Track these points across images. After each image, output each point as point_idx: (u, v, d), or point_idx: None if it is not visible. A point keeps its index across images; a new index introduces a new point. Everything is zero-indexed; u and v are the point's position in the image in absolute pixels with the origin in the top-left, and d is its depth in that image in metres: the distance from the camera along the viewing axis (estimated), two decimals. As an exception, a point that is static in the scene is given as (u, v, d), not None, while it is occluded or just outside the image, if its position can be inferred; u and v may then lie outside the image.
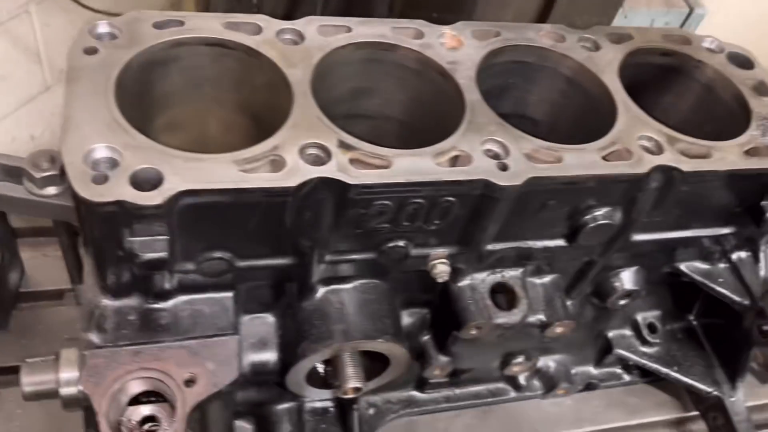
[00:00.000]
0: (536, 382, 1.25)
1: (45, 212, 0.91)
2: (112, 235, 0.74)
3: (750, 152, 0.98)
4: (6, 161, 0.91)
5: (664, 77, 1.13)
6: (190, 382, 0.83)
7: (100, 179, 0.71)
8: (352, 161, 0.81)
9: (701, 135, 0.98)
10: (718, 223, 1.06)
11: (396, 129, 1.08)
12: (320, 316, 0.93)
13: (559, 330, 1.06)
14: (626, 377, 1.31)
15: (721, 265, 1.17)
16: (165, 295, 0.86)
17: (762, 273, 1.15)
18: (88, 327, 0.83)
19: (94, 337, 0.83)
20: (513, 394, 1.24)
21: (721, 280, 1.15)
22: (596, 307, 1.18)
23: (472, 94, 0.93)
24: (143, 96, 0.91)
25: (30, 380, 0.87)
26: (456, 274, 0.99)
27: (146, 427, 0.81)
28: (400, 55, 0.98)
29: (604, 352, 1.26)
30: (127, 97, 0.83)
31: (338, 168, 0.79)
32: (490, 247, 0.96)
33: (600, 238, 0.98)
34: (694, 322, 1.31)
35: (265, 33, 0.92)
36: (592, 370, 1.29)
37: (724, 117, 1.08)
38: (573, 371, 1.27)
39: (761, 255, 1.15)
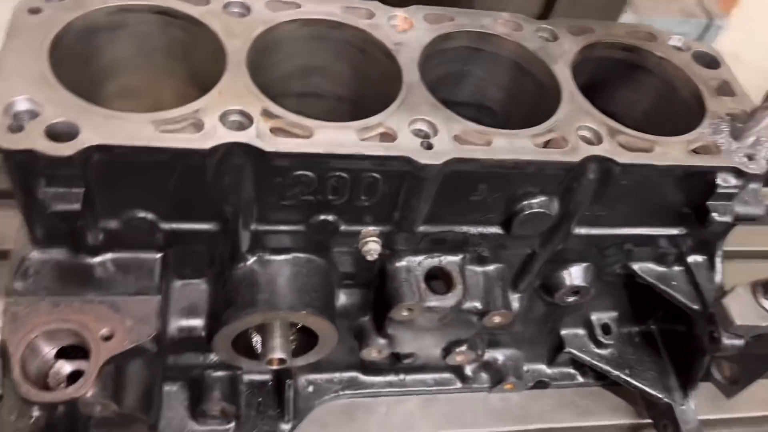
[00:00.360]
0: (484, 375, 1.24)
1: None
2: (28, 185, 0.76)
3: (696, 150, 0.95)
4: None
5: (625, 73, 1.12)
6: (107, 338, 0.85)
7: (15, 128, 0.74)
8: (274, 130, 0.82)
9: (660, 133, 0.97)
10: (668, 223, 1.04)
11: (349, 109, 1.09)
12: (248, 284, 0.94)
13: (497, 319, 1.05)
14: (580, 378, 1.29)
15: (676, 269, 1.14)
16: (92, 251, 0.88)
17: (717, 279, 1.12)
18: (13, 276, 0.86)
19: (17, 286, 0.85)
20: (459, 384, 1.23)
21: (674, 283, 1.12)
22: (546, 302, 1.17)
23: (411, 76, 0.94)
24: (90, 60, 0.94)
25: (-39, 326, 0.91)
26: (392, 255, 1.00)
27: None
28: (346, 33, 0.99)
29: (556, 350, 1.24)
30: (69, 59, 0.86)
31: (257, 135, 0.80)
32: (422, 228, 0.96)
33: (536, 227, 0.97)
34: (653, 328, 1.28)
35: (213, 4, 0.95)
36: (545, 368, 1.28)
37: (682, 115, 1.05)
38: (525, 368, 1.26)
39: (717, 260, 1.12)
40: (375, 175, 0.86)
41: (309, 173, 0.84)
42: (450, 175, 0.87)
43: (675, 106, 1.08)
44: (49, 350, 0.89)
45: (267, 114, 0.83)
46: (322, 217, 0.91)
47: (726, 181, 0.96)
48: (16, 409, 0.81)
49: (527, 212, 0.94)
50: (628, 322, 1.27)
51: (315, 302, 0.95)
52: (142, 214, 0.85)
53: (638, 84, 1.11)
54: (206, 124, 0.79)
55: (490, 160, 0.86)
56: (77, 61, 0.90)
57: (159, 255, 0.91)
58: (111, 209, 0.84)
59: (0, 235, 1.12)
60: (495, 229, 0.99)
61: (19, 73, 0.79)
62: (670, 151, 0.94)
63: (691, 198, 0.99)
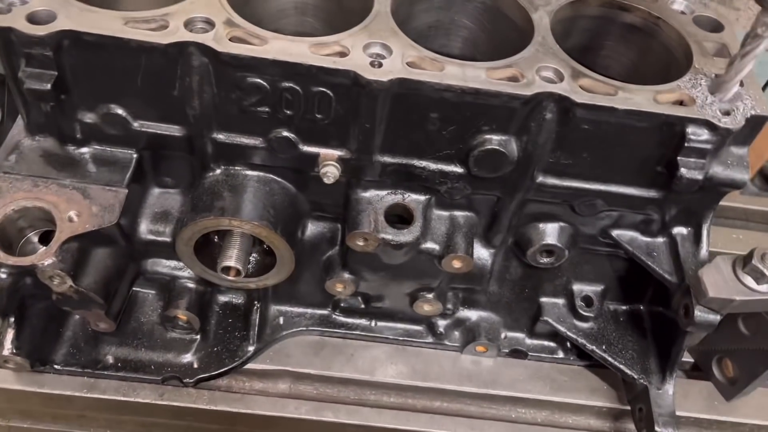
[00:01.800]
0: (456, 334, 1.23)
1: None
2: (12, 65, 0.87)
3: (667, 101, 0.92)
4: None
5: (617, 31, 1.09)
6: (73, 219, 0.94)
7: (5, 10, 0.84)
8: (233, 37, 0.88)
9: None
10: (641, 182, 1.00)
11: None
12: (211, 192, 1.00)
13: (456, 264, 1.04)
14: (560, 354, 1.24)
15: (660, 239, 1.09)
16: (75, 142, 0.98)
17: (702, 252, 1.05)
18: (4, 155, 0.97)
19: (6, 165, 0.96)
20: (430, 339, 1.23)
21: (655, 254, 1.07)
22: (523, 264, 1.15)
23: (381, 6, 0.97)
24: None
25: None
26: (357, 185, 1.03)
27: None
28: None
29: (535, 319, 1.21)
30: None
31: (214, 38, 0.87)
32: (381, 158, 0.98)
33: (494, 167, 0.97)
34: (642, 309, 1.21)
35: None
36: (525, 338, 1.24)
37: (672, 76, 1.01)
38: (503, 335, 1.24)
39: (703, 232, 1.06)
40: (326, 90, 0.90)
41: (261, 81, 0.89)
42: (400, 99, 0.89)
43: (666, 67, 1.04)
44: (31, 234, 1.00)
45: (229, 23, 0.89)
46: (282, 133, 0.95)
47: (696, 135, 0.91)
48: (-15, 268, 0.91)
49: (482, 149, 0.94)
50: (616, 299, 1.22)
51: (272, 218, 1.00)
52: (115, 110, 0.94)
53: (630, 43, 1.08)
54: (170, 26, 0.87)
55: (437, 83, 0.87)
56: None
57: (135, 155, 0.99)
58: (87, 102, 0.93)
59: None
60: (454, 168, 0.99)
61: (20, -30, 0.90)
62: (635, 97, 0.91)
63: (662, 154, 0.95)
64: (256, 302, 1.16)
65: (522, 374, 1.22)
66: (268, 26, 0.97)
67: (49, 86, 0.86)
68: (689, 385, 1.23)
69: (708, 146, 0.92)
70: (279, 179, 1.03)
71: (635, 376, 1.13)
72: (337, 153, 0.98)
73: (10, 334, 1.00)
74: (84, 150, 0.99)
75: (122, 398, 1.09)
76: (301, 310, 1.22)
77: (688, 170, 0.93)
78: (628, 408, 1.19)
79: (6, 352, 1.00)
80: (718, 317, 0.99)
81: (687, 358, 1.26)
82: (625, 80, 0.96)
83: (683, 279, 1.04)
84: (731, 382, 1.22)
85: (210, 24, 0.89)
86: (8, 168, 0.96)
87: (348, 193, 1.04)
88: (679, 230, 1.07)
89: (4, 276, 0.92)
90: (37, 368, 1.06)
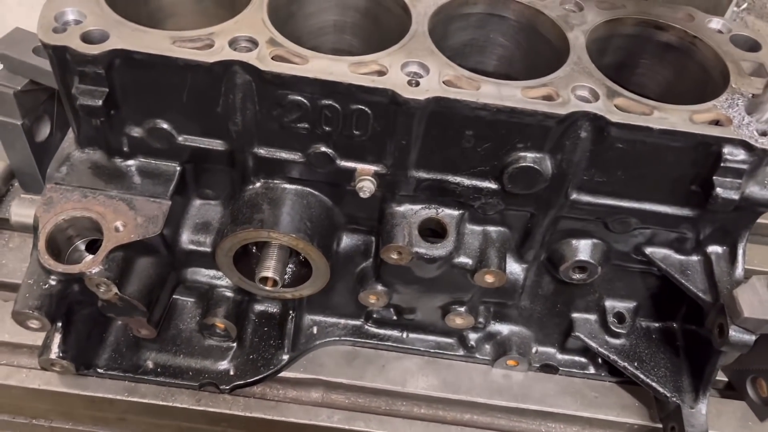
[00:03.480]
0: (488, 347, 1.24)
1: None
2: (66, 82, 0.91)
3: (700, 118, 0.92)
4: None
5: (654, 50, 1.10)
6: (119, 229, 0.98)
7: (60, 30, 0.89)
8: (275, 56, 0.91)
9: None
10: (675, 201, 1.00)
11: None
12: (251, 205, 1.03)
13: (489, 278, 1.06)
14: (592, 369, 1.24)
15: (694, 258, 1.08)
16: (122, 155, 1.02)
17: (737, 272, 1.05)
18: (56, 167, 1.01)
19: (57, 176, 1.00)
20: (461, 352, 1.24)
21: (689, 273, 1.07)
22: (555, 279, 1.15)
23: (419, 26, 0.99)
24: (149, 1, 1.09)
25: (17, 212, 1.08)
26: (391, 199, 1.05)
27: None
28: (370, -11, 1.07)
29: (566, 334, 1.21)
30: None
31: (257, 57, 0.90)
32: (416, 173, 1.00)
33: (529, 184, 0.98)
34: (675, 326, 1.21)
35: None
36: (556, 353, 1.25)
37: (709, 95, 1.02)
38: (534, 349, 1.24)
39: (739, 252, 1.05)
40: (364, 108, 0.92)
41: (302, 99, 0.92)
42: (437, 116, 0.92)
43: (702, 86, 1.04)
44: (79, 243, 1.04)
45: (272, 42, 0.93)
46: (320, 148, 0.98)
47: (733, 155, 0.91)
48: (36, 275, 0.95)
49: (517, 166, 0.96)
50: (648, 317, 1.22)
51: (309, 231, 1.02)
52: (161, 125, 0.97)
53: (666, 62, 1.09)
54: (216, 45, 0.90)
55: (473, 102, 0.89)
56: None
57: (178, 168, 1.03)
58: (135, 117, 0.97)
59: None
60: (489, 184, 1.00)
61: (76, -8, 0.95)
62: (669, 117, 0.91)
63: (697, 173, 0.95)
64: (291, 312, 1.18)
65: (552, 389, 1.22)
66: (308, 43, 1.00)
67: (100, 102, 0.90)
68: (722, 405, 1.22)
69: (744, 166, 0.92)
70: (316, 193, 1.06)
71: (668, 395, 1.13)
72: (373, 168, 1.00)
73: (57, 339, 1.04)
74: (130, 163, 1.02)
75: (161, 402, 1.12)
76: (334, 320, 1.24)
77: (724, 190, 0.93)
78: (660, 426, 1.19)
79: (53, 355, 1.04)
80: (753, 337, 0.99)
81: (721, 376, 1.25)
82: (661, 99, 0.96)
83: (718, 298, 1.03)
84: (765, 402, 1.20)
85: (253, 43, 0.92)
86: (59, 179, 1.00)
87: (383, 207, 1.06)
88: (714, 249, 1.07)
89: (53, 283, 0.96)
90: (81, 372, 1.10)
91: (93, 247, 1.02)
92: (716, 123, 0.94)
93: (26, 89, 1.19)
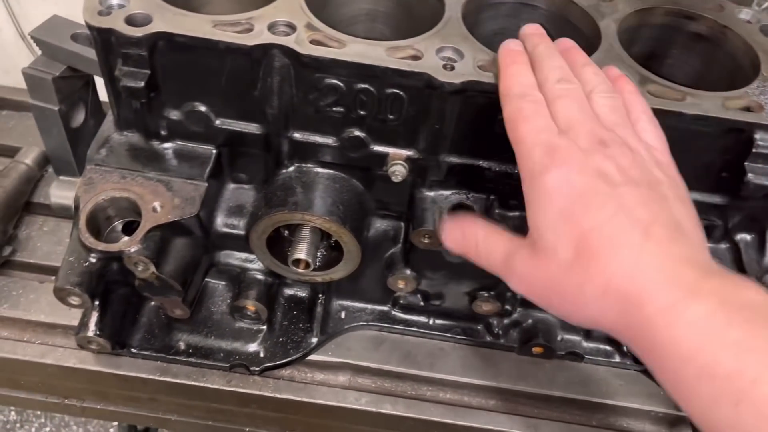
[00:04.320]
0: (514, 334, 1.25)
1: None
2: (109, 64, 0.94)
3: (731, 105, 0.93)
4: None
5: (684, 40, 1.11)
6: (157, 210, 1.00)
7: (105, 13, 0.91)
8: (313, 40, 0.93)
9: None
10: (706, 188, 1.01)
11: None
12: (284, 188, 1.05)
13: (517, 264, 1.07)
14: (617, 358, 1.25)
15: (722, 246, 1.09)
16: (160, 138, 1.04)
17: (766, 260, 1.06)
18: (95, 149, 1.04)
19: (97, 158, 1.03)
20: (488, 338, 1.25)
21: (717, 260, 1.07)
22: (582, 266, 1.16)
23: (452, 12, 1.01)
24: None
25: (56, 193, 1.10)
26: (422, 185, 1.06)
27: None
28: (404, -23, 1.09)
29: (592, 322, 1.22)
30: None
31: (296, 41, 0.92)
32: (447, 158, 1.02)
33: (559, 169, 0.99)
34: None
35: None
36: (581, 340, 1.25)
37: (739, 84, 1.02)
38: (559, 337, 1.25)
39: None
40: (399, 92, 0.94)
41: (338, 83, 0.93)
42: (471, 100, 0.93)
43: (732, 75, 1.05)
44: (117, 223, 1.06)
45: (310, 27, 0.94)
46: (354, 132, 1.00)
47: (765, 141, 0.92)
48: (76, 253, 0.98)
49: (548, 151, 0.97)
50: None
51: (341, 214, 1.04)
52: (199, 108, 0.99)
53: (695, 51, 1.10)
54: (255, 29, 0.92)
55: (507, 87, 0.91)
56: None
57: (214, 150, 1.05)
58: (174, 100, 0.99)
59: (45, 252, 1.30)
60: (517, 169, 1.02)
61: (119, -22, 0.97)
62: (703, 103, 0.92)
63: (729, 159, 0.96)
64: (320, 296, 1.20)
65: (577, 376, 1.23)
66: (341, 31, 1.02)
67: (142, 84, 0.92)
68: (747, 395, 1.23)
69: (777, 152, 0.93)
70: (348, 177, 1.07)
71: (694, 382, 1.14)
72: (405, 153, 1.02)
73: (94, 317, 1.06)
74: (167, 145, 1.05)
75: (192, 383, 1.14)
76: (362, 305, 1.26)
77: (756, 176, 0.94)
78: (684, 414, 1.19)
79: (90, 333, 1.06)
80: (782, 324, 0.99)
81: (745, 367, 1.25)
82: (691, 87, 0.97)
83: (746, 285, 1.04)
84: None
85: (292, 28, 0.94)
86: (99, 161, 1.02)
87: (413, 192, 1.08)
88: (743, 237, 1.08)
89: (93, 260, 0.98)
90: (115, 351, 1.12)
91: (129, 228, 1.04)
92: (748, 109, 0.95)
93: (64, 75, 1.21)
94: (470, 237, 0.91)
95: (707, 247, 0.77)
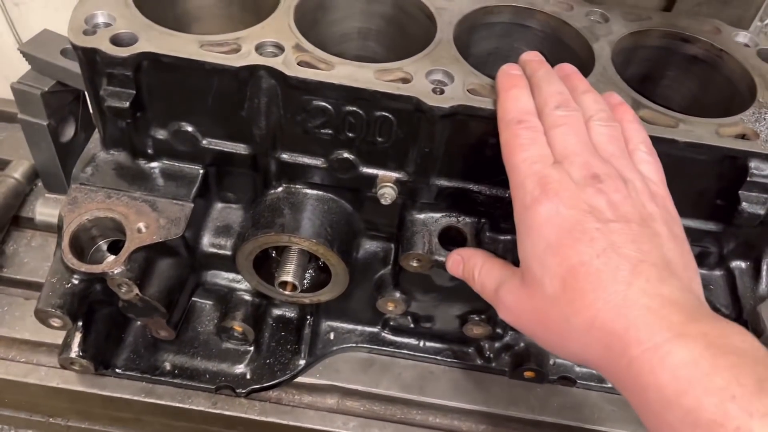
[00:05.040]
0: (506, 358, 1.23)
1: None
2: (94, 83, 0.92)
3: (730, 134, 0.91)
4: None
5: (679, 63, 1.09)
6: (142, 230, 0.99)
7: (90, 32, 0.90)
8: (301, 62, 0.92)
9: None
10: (700, 215, 0.99)
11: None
12: (271, 209, 1.03)
13: (508, 289, 1.05)
14: (609, 383, 1.22)
15: (717, 273, 1.07)
16: (146, 157, 1.03)
17: (761, 287, 1.04)
18: (81, 168, 1.02)
19: (82, 177, 1.01)
20: (479, 362, 1.23)
21: (711, 287, 1.06)
22: (575, 290, 1.14)
23: (444, 34, 1.00)
24: (175, 3, 1.10)
25: (42, 211, 1.09)
26: (412, 207, 1.05)
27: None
28: (396, -3, 1.07)
29: (585, 346, 1.20)
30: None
31: (283, 62, 0.90)
32: (437, 181, 1.00)
33: (551, 194, 0.98)
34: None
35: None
36: (573, 365, 1.23)
37: (736, 109, 1.01)
38: (551, 361, 1.23)
39: (763, 267, 1.04)
40: (388, 115, 0.92)
41: (326, 105, 0.92)
42: (460, 124, 0.92)
43: (728, 100, 1.03)
44: (102, 243, 1.05)
45: (298, 48, 0.93)
46: (343, 154, 0.98)
47: (759, 170, 0.90)
48: (59, 273, 0.96)
49: (539, 175, 0.95)
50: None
51: (329, 236, 1.02)
52: (186, 127, 0.98)
53: (691, 74, 1.08)
54: (243, 49, 0.91)
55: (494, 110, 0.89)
56: (162, 2, 1.06)
57: (201, 170, 1.03)
58: (160, 119, 0.98)
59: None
60: (510, 194, 1.00)
61: (106, -4, 0.96)
62: (696, 130, 0.91)
63: (723, 187, 0.94)
64: (308, 317, 1.19)
65: (569, 402, 1.21)
66: (332, 49, 1.00)
67: (127, 104, 0.91)
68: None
69: (771, 181, 0.91)
70: (337, 198, 1.06)
71: (687, 410, 1.12)
72: (395, 175, 1.00)
73: (77, 338, 1.05)
74: (154, 164, 1.03)
75: (177, 404, 1.13)
76: (351, 326, 1.24)
77: (750, 204, 0.92)
78: (679, 442, 1.17)
79: (73, 354, 1.04)
80: (777, 354, 0.98)
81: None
82: (686, 111, 0.96)
83: (741, 314, 1.02)
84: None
85: (279, 48, 0.92)
86: (84, 179, 1.01)
87: (403, 214, 1.06)
88: (738, 264, 1.06)
89: (76, 282, 0.96)
90: (99, 371, 1.11)
91: (115, 247, 1.03)
92: (742, 137, 0.93)
93: (53, 90, 1.20)
94: (469, 267, 0.92)
95: (700, 284, 0.76)
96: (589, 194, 0.74)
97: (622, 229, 0.72)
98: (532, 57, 0.93)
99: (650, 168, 0.83)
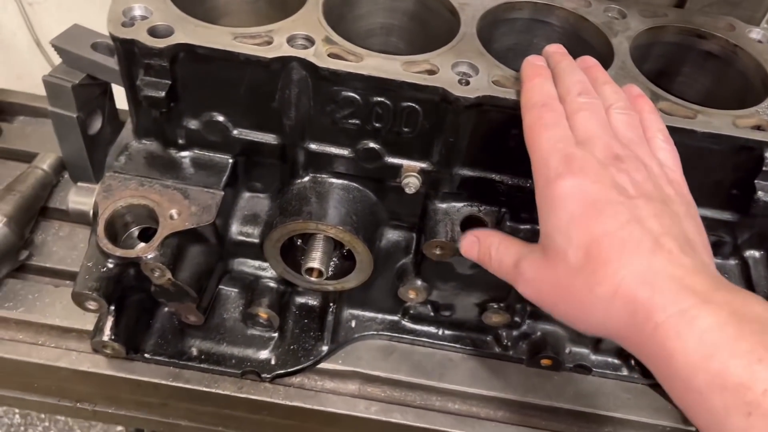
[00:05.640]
0: (523, 346, 1.25)
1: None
2: (131, 74, 0.96)
3: (742, 123, 0.94)
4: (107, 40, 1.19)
5: (695, 58, 1.12)
6: (174, 217, 1.02)
7: (128, 24, 0.93)
8: (331, 54, 0.95)
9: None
10: (716, 204, 1.02)
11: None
12: (299, 198, 1.06)
13: (528, 276, 1.08)
14: (625, 371, 1.25)
15: (731, 262, 1.10)
16: (178, 146, 1.06)
17: (775, 276, 1.07)
18: (114, 157, 1.06)
19: (116, 165, 1.05)
20: (497, 350, 1.26)
21: (726, 276, 1.08)
22: (591, 280, 1.17)
23: (467, 28, 1.03)
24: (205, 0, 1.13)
25: (74, 199, 1.12)
26: (435, 197, 1.08)
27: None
28: (420, -7, 1.11)
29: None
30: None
31: (314, 54, 0.93)
32: (461, 171, 1.03)
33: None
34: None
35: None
36: (589, 353, 1.26)
37: (750, 103, 1.04)
38: (567, 350, 1.26)
39: (776, 256, 1.07)
40: (414, 105, 0.95)
41: (355, 96, 0.95)
42: (485, 115, 0.95)
43: (742, 94, 1.06)
44: (134, 229, 1.08)
45: (328, 41, 0.96)
46: (369, 144, 1.01)
47: (775, 160, 0.94)
48: (94, 258, 0.99)
49: (560, 165, 0.98)
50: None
51: (354, 224, 1.05)
52: (217, 117, 1.01)
53: (706, 70, 1.11)
54: (275, 41, 0.94)
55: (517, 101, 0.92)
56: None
57: (231, 159, 1.07)
58: (193, 109, 1.01)
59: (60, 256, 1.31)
60: (531, 183, 1.02)
61: (142, -10, 0.99)
62: (714, 121, 0.94)
63: (739, 177, 0.97)
64: (331, 305, 1.21)
65: (586, 389, 1.24)
66: (356, 44, 1.03)
67: (163, 94, 0.94)
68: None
69: (787, 171, 0.94)
70: (362, 188, 1.09)
71: (701, 397, 1.14)
72: (419, 165, 1.03)
73: (110, 322, 1.08)
74: (185, 154, 1.06)
75: (204, 389, 1.15)
76: (372, 314, 1.27)
77: (766, 194, 0.95)
78: (692, 428, 1.20)
79: (105, 337, 1.07)
80: (790, 341, 1.00)
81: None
82: (702, 105, 0.99)
83: (754, 302, 1.05)
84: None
85: (310, 41, 0.96)
86: (118, 168, 1.04)
87: (426, 203, 1.09)
88: (752, 253, 1.09)
89: (111, 266, 0.99)
90: (129, 356, 1.14)
91: (145, 235, 1.06)
92: (758, 128, 0.96)
93: (83, 83, 1.23)
94: (485, 245, 0.94)
95: (714, 264, 0.78)
96: (612, 172, 0.77)
97: (645, 204, 0.75)
98: (556, 49, 0.96)
99: (667, 155, 0.86)
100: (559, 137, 0.81)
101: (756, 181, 0.95)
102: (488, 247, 0.93)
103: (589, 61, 0.96)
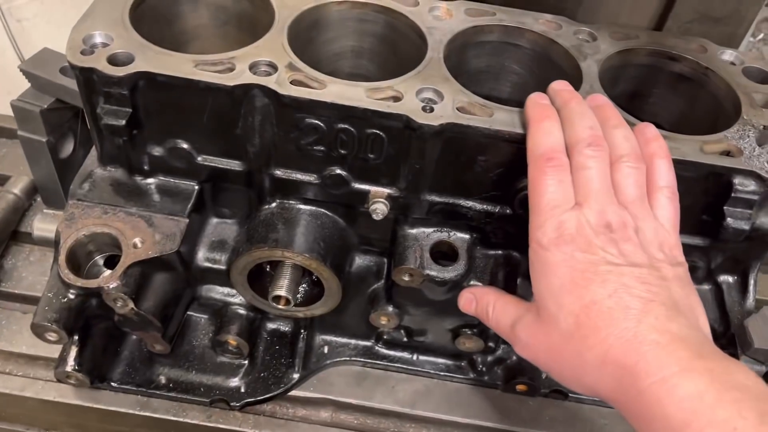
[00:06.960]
0: (498, 371, 1.24)
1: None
2: (91, 101, 0.94)
3: (710, 149, 0.93)
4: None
5: (666, 81, 1.11)
6: (137, 245, 1.00)
7: (87, 52, 0.92)
8: (293, 80, 0.94)
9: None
10: (685, 230, 0.99)
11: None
12: (265, 224, 1.05)
13: (499, 303, 1.07)
14: (601, 397, 1.24)
15: (705, 287, 1.09)
16: (142, 173, 1.05)
17: (748, 302, 1.05)
18: (78, 184, 1.04)
19: (79, 193, 1.03)
20: (471, 375, 1.24)
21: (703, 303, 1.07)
22: (566, 304, 1.16)
23: (434, 53, 1.02)
24: (171, 23, 1.12)
25: (39, 227, 1.11)
26: (404, 222, 1.06)
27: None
28: (389, 17, 1.09)
29: (576, 360, 1.21)
30: (151, 17, 1.05)
31: (276, 81, 0.92)
32: (428, 197, 1.02)
33: (540, 210, 0.99)
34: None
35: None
36: (565, 378, 1.24)
37: (721, 126, 1.03)
38: (543, 374, 1.24)
39: (750, 281, 1.05)
40: (379, 132, 0.94)
41: (319, 123, 0.94)
42: (450, 141, 0.93)
43: (714, 116, 1.05)
44: (98, 258, 1.06)
45: (291, 67, 0.95)
46: (335, 170, 1.00)
47: (743, 186, 0.92)
48: (55, 288, 0.98)
49: (524, 193, 0.97)
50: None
51: (321, 251, 1.04)
52: (181, 144, 1.00)
53: (678, 92, 1.10)
54: (237, 68, 0.93)
55: (486, 129, 0.91)
56: (159, 22, 1.09)
57: (196, 186, 1.05)
58: (156, 137, 1.00)
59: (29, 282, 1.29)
60: (501, 208, 1.02)
61: (105, 17, 0.98)
62: (681, 147, 0.93)
63: (709, 202, 0.96)
64: (302, 331, 1.20)
65: (562, 415, 1.22)
66: (326, 67, 1.03)
67: (124, 122, 0.93)
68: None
69: (755, 197, 0.93)
70: (330, 214, 1.07)
71: (677, 424, 1.12)
72: (386, 191, 1.02)
73: (73, 352, 1.06)
74: (150, 181, 1.05)
75: (172, 418, 1.13)
76: (345, 340, 1.25)
77: (735, 220, 0.94)
78: (670, 455, 1.18)
79: (69, 368, 1.06)
80: (764, 368, 0.99)
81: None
82: (673, 128, 0.98)
83: (728, 328, 1.03)
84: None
85: (273, 67, 0.95)
86: (81, 195, 1.03)
87: (395, 229, 1.07)
88: (725, 278, 1.07)
89: (72, 296, 0.98)
90: (95, 385, 1.12)
91: (111, 262, 1.04)
92: (727, 154, 0.95)
93: (52, 107, 1.22)
94: (482, 303, 0.97)
95: (706, 322, 0.80)
96: (602, 241, 0.79)
97: (632, 271, 0.77)
98: (563, 87, 0.94)
99: (666, 214, 0.86)
100: (558, 200, 0.82)
101: (725, 207, 0.94)
102: (485, 306, 0.96)
103: (600, 99, 0.94)
